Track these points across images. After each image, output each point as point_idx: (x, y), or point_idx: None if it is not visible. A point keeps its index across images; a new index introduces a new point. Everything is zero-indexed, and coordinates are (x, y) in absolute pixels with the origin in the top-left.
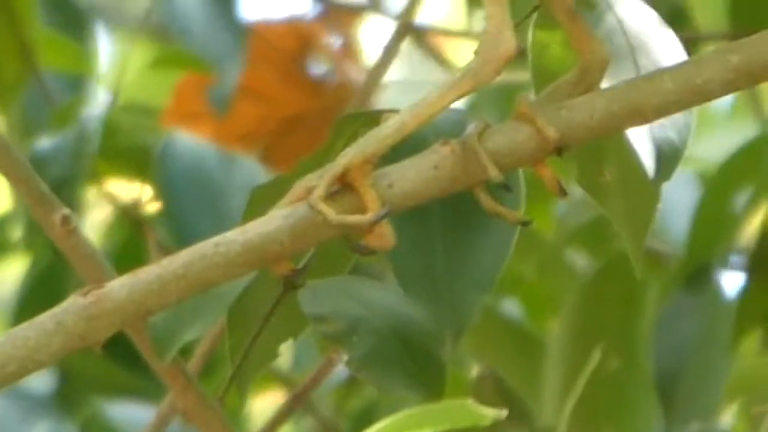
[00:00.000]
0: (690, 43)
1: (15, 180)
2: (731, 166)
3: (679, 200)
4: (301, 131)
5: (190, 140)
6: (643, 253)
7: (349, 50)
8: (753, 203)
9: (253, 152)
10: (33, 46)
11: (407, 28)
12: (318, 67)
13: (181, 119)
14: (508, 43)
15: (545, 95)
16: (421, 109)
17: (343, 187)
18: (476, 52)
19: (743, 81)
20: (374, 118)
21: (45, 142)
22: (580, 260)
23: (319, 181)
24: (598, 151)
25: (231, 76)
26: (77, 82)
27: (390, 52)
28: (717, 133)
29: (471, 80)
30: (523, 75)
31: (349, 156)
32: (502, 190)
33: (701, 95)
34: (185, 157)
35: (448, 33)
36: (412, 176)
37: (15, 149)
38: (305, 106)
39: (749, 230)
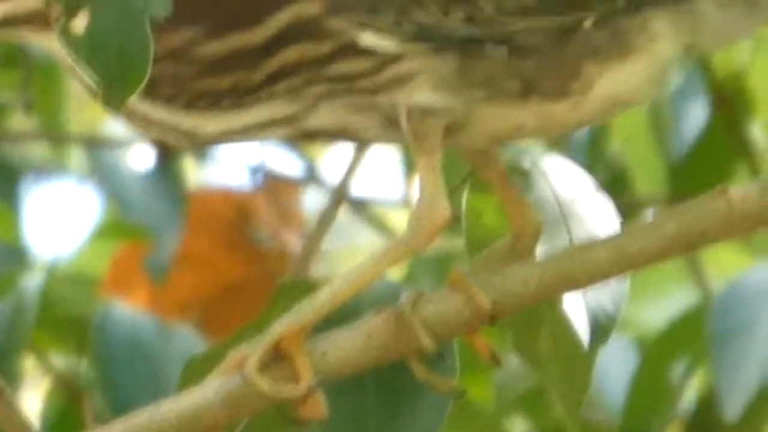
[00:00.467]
0: (629, 208)
1: None
2: (670, 335)
3: (616, 367)
4: (240, 299)
5: (127, 310)
6: (580, 422)
7: (287, 218)
8: (690, 372)
9: (191, 320)
10: None
11: (343, 197)
12: (257, 235)
13: (118, 288)
14: (443, 211)
15: (478, 262)
16: (355, 277)
17: (278, 356)
18: (410, 220)
19: (678, 249)
20: (310, 287)
21: None
22: (518, 429)
23: (253, 350)
24: (533, 318)
25: (169, 244)
26: (13, 252)
27: (326, 221)
28: (656, 298)
29: (405, 248)
30: (458, 242)
31: (284, 324)
32: (436, 359)
33: (635, 264)
34: (122, 327)
35: (384, 202)
36: (346, 345)
37: None
38: (244, 274)
39: (686, 398)
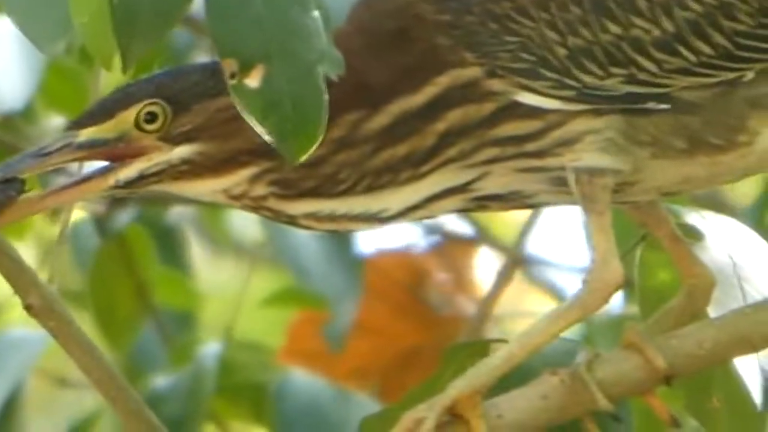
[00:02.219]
0: None
1: (126, 414)
2: None
3: None
4: (416, 365)
5: (305, 378)
6: None
7: (461, 282)
8: None
9: (368, 387)
10: (148, 284)
11: (518, 259)
12: (432, 300)
13: (296, 356)
14: (616, 272)
15: (653, 323)
16: (530, 339)
17: (453, 418)
18: (584, 282)
19: None
20: (482, 348)
21: (161, 381)
22: None
23: (429, 412)
24: (705, 378)
25: (346, 312)
26: (191, 319)
27: (501, 283)
28: None
29: (578, 310)
30: (631, 305)
31: (458, 387)
32: (612, 420)
33: None
34: (301, 394)
35: (557, 263)
36: (521, 406)
37: (128, 386)
38: (420, 340)
39: None
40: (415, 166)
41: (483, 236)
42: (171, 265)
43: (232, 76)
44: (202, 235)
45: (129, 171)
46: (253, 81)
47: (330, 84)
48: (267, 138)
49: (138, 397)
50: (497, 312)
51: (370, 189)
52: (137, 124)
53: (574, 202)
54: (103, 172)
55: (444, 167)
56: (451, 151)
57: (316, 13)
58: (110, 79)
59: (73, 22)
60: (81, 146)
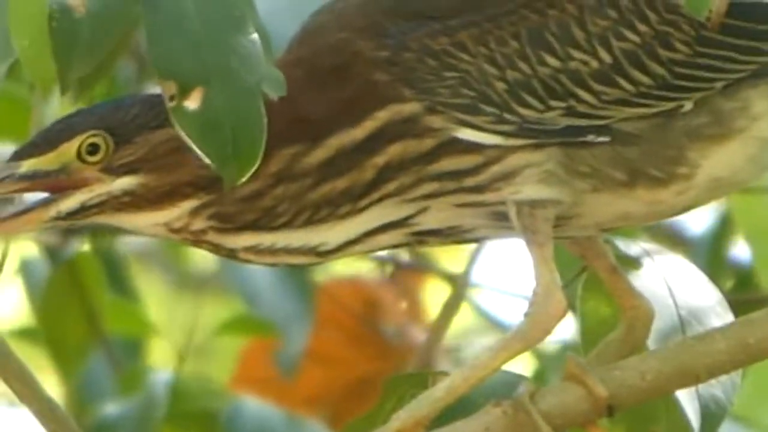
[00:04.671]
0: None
1: None
2: None
3: None
4: (368, 394)
5: (256, 405)
6: None
7: (413, 311)
8: None
9: (320, 415)
10: (99, 313)
11: (465, 288)
12: (385, 329)
13: (247, 384)
14: (558, 304)
15: (595, 354)
16: (473, 371)
17: None
18: (526, 314)
19: None
20: (423, 379)
21: (112, 409)
22: None
23: None
24: (647, 409)
25: (298, 340)
26: (141, 347)
27: (449, 312)
28: None
29: (521, 342)
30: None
31: (401, 419)
32: None
33: (754, 355)
34: (252, 422)
35: (503, 292)
36: None
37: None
38: (372, 369)
39: None
40: (353, 201)
41: (432, 265)
42: (121, 293)
43: (172, 98)
44: (162, 265)
45: (70, 202)
46: (192, 103)
47: (269, 118)
48: (206, 161)
49: (78, 430)
50: (446, 341)
51: (309, 223)
52: (79, 156)
53: (514, 236)
54: (44, 204)
55: (383, 202)
56: (390, 186)
57: (255, 36)
58: (61, 107)
59: (14, 46)
60: (23, 177)
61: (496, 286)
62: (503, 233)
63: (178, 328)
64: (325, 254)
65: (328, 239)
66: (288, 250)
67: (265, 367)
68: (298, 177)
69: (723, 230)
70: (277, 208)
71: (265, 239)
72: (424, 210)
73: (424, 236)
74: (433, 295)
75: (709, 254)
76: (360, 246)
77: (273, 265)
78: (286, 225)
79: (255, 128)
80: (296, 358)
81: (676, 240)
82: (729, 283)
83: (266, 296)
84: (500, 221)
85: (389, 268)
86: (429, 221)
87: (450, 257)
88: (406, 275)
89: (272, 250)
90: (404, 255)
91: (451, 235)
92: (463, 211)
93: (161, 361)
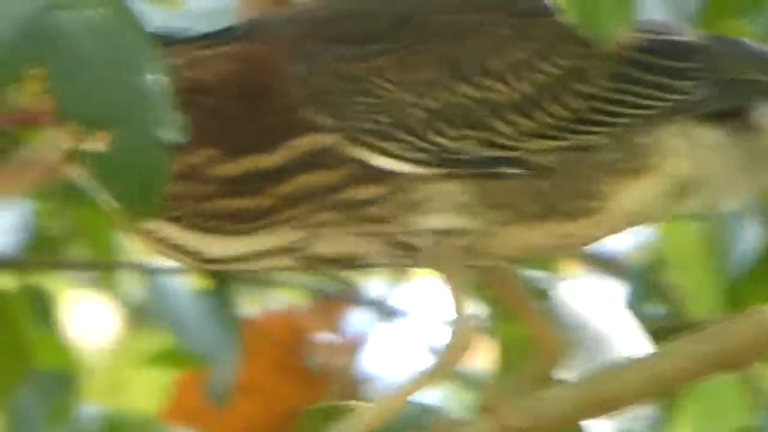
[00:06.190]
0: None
1: None
2: None
3: None
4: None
5: None
6: None
7: (339, 341)
8: None
9: None
10: (26, 345)
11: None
12: (312, 360)
13: (179, 417)
14: (468, 333)
15: (510, 384)
16: (386, 401)
17: None
18: (443, 342)
19: (713, 370)
20: (339, 411)
21: None
22: None
23: None
24: None
25: (228, 371)
26: (69, 382)
27: (371, 340)
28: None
29: (434, 371)
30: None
31: None
32: None
33: (671, 384)
34: None
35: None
36: None
37: None
38: (301, 400)
39: None
40: (245, 222)
41: (355, 293)
42: (46, 327)
43: (75, 140)
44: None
45: None
46: (96, 146)
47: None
48: (112, 201)
49: None
50: (369, 370)
51: (196, 227)
52: None
53: (414, 265)
54: None
55: (276, 227)
56: (286, 214)
57: (153, 78)
58: None
59: None
60: None
61: (422, 313)
62: (401, 261)
63: (110, 361)
64: (210, 262)
65: (211, 249)
66: (169, 244)
67: (196, 399)
68: (202, 180)
69: (654, 256)
70: (179, 199)
71: (160, 227)
72: (314, 236)
73: (318, 262)
74: (360, 323)
75: (639, 280)
76: (249, 262)
77: (163, 254)
78: (176, 221)
79: (158, 171)
80: (226, 389)
81: (608, 264)
82: (662, 309)
83: (193, 328)
84: (400, 250)
85: (316, 298)
86: (323, 248)
87: (377, 285)
88: (332, 304)
89: (160, 239)
90: (330, 284)
91: (346, 263)
92: (358, 240)
93: (93, 395)
